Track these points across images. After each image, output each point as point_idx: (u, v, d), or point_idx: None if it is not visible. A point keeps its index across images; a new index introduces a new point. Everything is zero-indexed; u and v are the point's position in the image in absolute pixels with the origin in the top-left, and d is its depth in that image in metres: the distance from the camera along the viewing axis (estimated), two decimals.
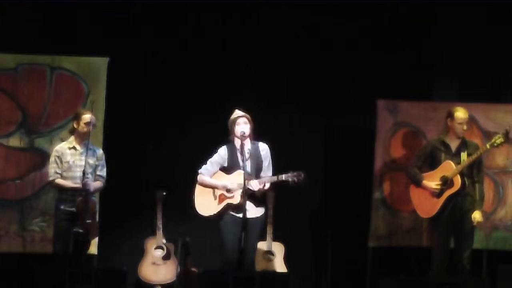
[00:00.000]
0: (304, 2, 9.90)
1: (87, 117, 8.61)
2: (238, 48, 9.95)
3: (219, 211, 8.37)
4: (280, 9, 9.94)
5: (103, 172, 8.76)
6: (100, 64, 9.49)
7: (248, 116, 8.43)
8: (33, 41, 9.60)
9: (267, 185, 8.36)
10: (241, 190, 8.25)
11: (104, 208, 9.37)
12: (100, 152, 8.80)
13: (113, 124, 9.53)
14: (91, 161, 8.64)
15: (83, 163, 8.54)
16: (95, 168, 8.71)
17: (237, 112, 8.46)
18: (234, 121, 8.42)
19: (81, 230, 8.42)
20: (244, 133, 8.35)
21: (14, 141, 9.38)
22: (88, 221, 8.45)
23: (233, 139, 8.47)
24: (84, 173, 8.49)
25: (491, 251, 9.69)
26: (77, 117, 8.67)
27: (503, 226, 9.71)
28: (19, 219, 9.33)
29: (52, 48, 9.55)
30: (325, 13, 9.98)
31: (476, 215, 8.69)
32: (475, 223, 8.70)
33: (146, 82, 9.86)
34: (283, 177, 8.25)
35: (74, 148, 8.65)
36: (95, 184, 8.67)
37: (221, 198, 8.38)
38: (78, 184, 8.52)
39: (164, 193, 9.48)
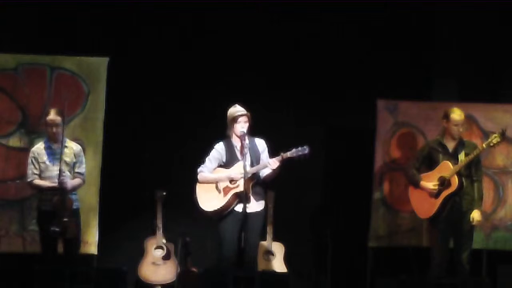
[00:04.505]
0: (304, 2, 9.91)
1: (48, 119, 8.57)
2: (238, 48, 9.95)
3: (227, 203, 8.35)
4: (280, 9, 9.94)
5: (81, 169, 8.71)
6: (100, 64, 9.48)
7: (248, 114, 8.44)
8: (33, 41, 9.60)
9: (267, 170, 8.37)
10: (243, 179, 8.23)
11: (104, 208, 9.39)
12: (78, 148, 8.75)
13: (113, 124, 9.53)
14: (68, 159, 8.62)
15: (59, 162, 8.51)
16: (73, 165, 8.68)
17: (238, 109, 8.45)
18: (234, 119, 8.42)
19: (57, 229, 8.35)
20: (244, 132, 8.36)
21: (14, 141, 9.38)
22: (65, 219, 8.39)
23: (231, 135, 8.48)
24: (60, 171, 8.46)
25: (491, 251, 9.69)
26: (44, 117, 8.69)
27: (503, 226, 9.71)
28: (19, 219, 9.33)
29: (52, 48, 9.55)
30: (325, 13, 9.98)
31: (475, 215, 8.69)
32: (474, 223, 8.70)
33: (146, 82, 9.86)
34: (288, 154, 8.24)
35: (49, 147, 8.64)
36: (73, 182, 8.61)
37: (226, 190, 8.38)
38: (55, 183, 8.49)
39: (164, 193, 9.48)
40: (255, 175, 8.35)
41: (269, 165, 8.25)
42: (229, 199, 8.35)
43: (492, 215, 9.68)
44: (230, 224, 8.33)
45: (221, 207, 8.37)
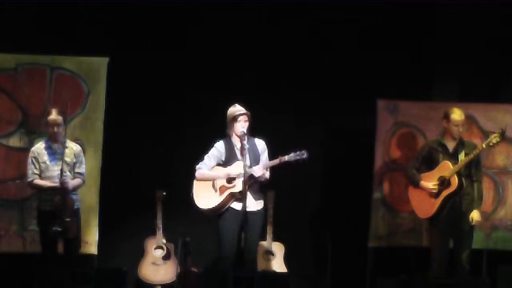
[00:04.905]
0: (305, 1, 9.91)
1: (49, 119, 8.58)
2: (238, 48, 9.95)
3: (222, 202, 8.37)
4: (280, 9, 9.94)
5: (81, 169, 8.72)
6: (100, 64, 9.49)
7: (248, 113, 8.45)
8: (33, 41, 9.59)
9: (267, 174, 8.37)
10: (241, 179, 8.25)
11: (104, 208, 9.39)
12: (78, 148, 8.76)
13: (113, 124, 9.53)
14: (68, 159, 8.61)
15: (60, 162, 8.51)
16: (73, 165, 8.68)
17: (238, 108, 8.47)
18: (234, 118, 8.44)
19: (59, 229, 8.36)
20: (244, 132, 8.37)
21: (14, 141, 9.38)
22: (67, 219, 8.40)
23: (231, 134, 8.49)
24: (61, 171, 8.45)
25: (491, 251, 9.70)
26: (45, 117, 8.68)
27: (503, 226, 9.71)
28: (19, 219, 9.33)
29: (52, 48, 9.55)
30: (325, 13, 9.98)
31: (474, 215, 8.70)
32: (473, 223, 8.71)
33: (146, 82, 9.86)
34: (286, 158, 8.26)
35: (50, 147, 8.63)
36: (74, 182, 8.62)
37: (222, 189, 8.39)
38: (56, 183, 8.50)
39: (164, 193, 9.48)
40: (252, 176, 8.34)
41: (253, 172, 8.24)
42: (224, 198, 8.37)
43: (492, 215, 9.69)
44: (230, 223, 8.34)
45: (216, 206, 8.39)
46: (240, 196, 8.28)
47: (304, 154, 8.21)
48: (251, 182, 8.32)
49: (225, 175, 8.40)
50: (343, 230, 9.79)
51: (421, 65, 10.13)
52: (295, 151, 8.24)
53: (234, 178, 8.37)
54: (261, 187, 8.49)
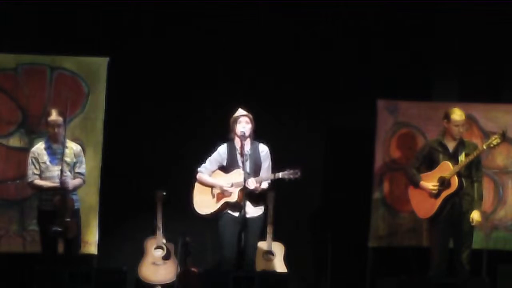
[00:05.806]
0: (305, 2, 9.91)
1: (50, 119, 8.54)
2: (238, 48, 9.95)
3: (217, 210, 8.40)
4: (280, 9, 9.94)
5: (82, 169, 8.70)
6: (100, 64, 9.48)
7: (250, 115, 8.45)
8: (33, 41, 9.59)
9: (264, 184, 8.38)
10: (238, 189, 8.27)
11: (104, 208, 9.39)
12: (78, 148, 8.74)
13: (113, 124, 9.53)
14: (68, 159, 8.60)
15: (60, 162, 8.50)
16: (73, 165, 8.67)
17: (240, 111, 8.49)
18: (235, 120, 8.44)
19: (59, 229, 8.33)
20: (244, 133, 8.37)
21: (14, 141, 9.38)
22: (66, 219, 8.38)
23: (234, 137, 8.49)
24: (61, 171, 8.44)
25: (491, 251, 9.70)
26: (45, 117, 8.67)
27: (503, 226, 9.71)
28: (19, 219, 9.33)
29: (52, 48, 9.55)
30: (325, 13, 9.98)
31: (475, 215, 8.69)
32: (473, 223, 8.70)
33: (146, 82, 9.86)
34: (280, 175, 8.26)
35: (50, 148, 8.63)
36: (74, 182, 8.60)
37: (219, 196, 8.40)
38: (56, 183, 8.49)
39: (164, 193, 9.48)
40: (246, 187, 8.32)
41: (247, 184, 8.24)
42: (219, 207, 8.39)
43: (492, 215, 9.69)
44: (230, 226, 8.34)
45: (211, 213, 8.44)
46: (235, 205, 8.30)
47: (297, 173, 8.23)
48: (247, 192, 8.30)
49: (219, 187, 8.40)
50: (343, 230, 9.79)
51: (421, 65, 10.13)
52: (290, 169, 8.24)
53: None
54: (260, 194, 8.47)
